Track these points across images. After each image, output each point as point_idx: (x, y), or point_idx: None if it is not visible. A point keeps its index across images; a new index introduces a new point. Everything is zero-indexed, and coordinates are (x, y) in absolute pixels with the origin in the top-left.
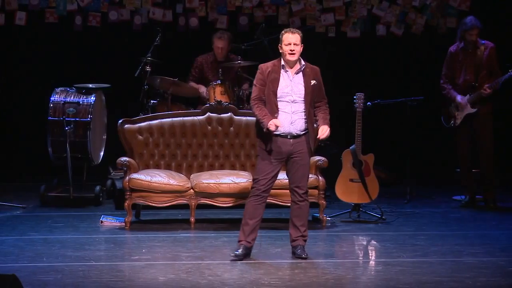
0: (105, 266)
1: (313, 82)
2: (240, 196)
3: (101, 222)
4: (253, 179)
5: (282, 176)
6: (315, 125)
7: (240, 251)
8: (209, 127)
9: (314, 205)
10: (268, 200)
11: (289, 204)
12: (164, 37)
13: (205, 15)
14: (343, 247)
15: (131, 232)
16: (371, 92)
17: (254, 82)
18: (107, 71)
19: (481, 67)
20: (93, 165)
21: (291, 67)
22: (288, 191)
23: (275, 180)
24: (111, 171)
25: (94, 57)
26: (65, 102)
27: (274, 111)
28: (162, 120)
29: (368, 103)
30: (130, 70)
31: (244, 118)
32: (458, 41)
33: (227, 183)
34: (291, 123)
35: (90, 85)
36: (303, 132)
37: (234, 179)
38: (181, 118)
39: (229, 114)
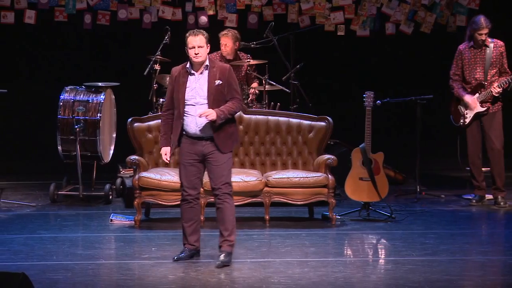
0: (115, 265)
1: (217, 82)
2: (250, 194)
3: (111, 220)
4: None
5: (291, 175)
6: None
7: (183, 254)
8: None
9: (324, 204)
10: (277, 199)
11: (298, 203)
12: (173, 35)
13: (215, 13)
14: (353, 245)
15: (140, 230)
16: (380, 90)
17: (167, 88)
18: (117, 69)
19: (490, 65)
20: (103, 163)
21: (197, 70)
22: (297, 189)
23: (200, 180)
24: (121, 169)
25: (103, 56)
26: (74, 101)
27: (180, 115)
28: None
29: (378, 101)
30: (140, 69)
31: (253, 116)
32: (467, 39)
33: (237, 181)
34: (197, 126)
35: (100, 84)
36: (209, 134)
37: (244, 178)
38: None
39: (238, 112)
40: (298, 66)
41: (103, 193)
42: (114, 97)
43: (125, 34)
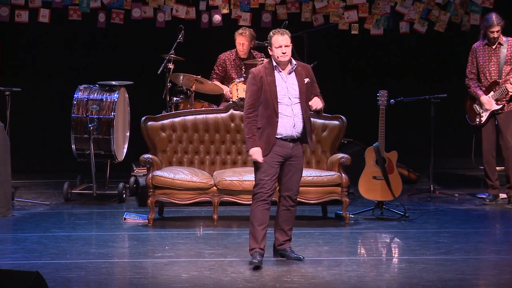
0: (128, 263)
1: (306, 80)
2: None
3: (124, 219)
4: (256, 183)
5: (305, 173)
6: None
7: (258, 259)
8: (232, 124)
9: (337, 203)
10: None
11: (311, 202)
12: (187, 34)
13: (229, 12)
14: (366, 244)
15: (154, 229)
16: (394, 89)
17: (246, 88)
18: (130, 68)
19: (505, 63)
20: (117, 162)
21: (284, 69)
22: (310, 188)
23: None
24: (134, 168)
25: (117, 55)
26: (88, 99)
27: (273, 116)
28: (185, 117)
29: (392, 100)
30: (153, 68)
31: None
32: (481, 38)
33: (250, 180)
34: (293, 126)
35: (113, 82)
36: (302, 134)
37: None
38: (204, 116)
39: None
40: (312, 64)
41: (117, 192)
42: (128, 95)
43: (139, 33)
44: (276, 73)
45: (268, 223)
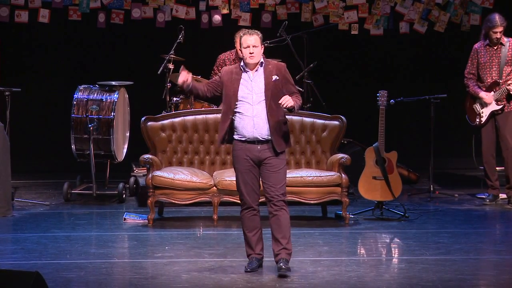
0: (128, 263)
1: (274, 77)
2: (262, 193)
3: (124, 219)
4: (238, 193)
5: (305, 174)
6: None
7: (253, 265)
8: None
9: (337, 203)
10: (290, 198)
11: (311, 202)
12: (187, 34)
13: (228, 12)
14: (366, 244)
15: (154, 229)
16: (394, 89)
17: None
18: (130, 68)
19: (506, 64)
20: (116, 162)
21: (252, 69)
22: (310, 188)
23: (259, 186)
24: (134, 168)
25: (117, 55)
26: (88, 100)
27: (231, 113)
28: (185, 117)
29: (392, 100)
30: (153, 68)
31: None
32: (482, 38)
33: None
34: (253, 127)
35: (113, 83)
36: (269, 136)
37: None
38: (204, 116)
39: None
40: (312, 65)
41: (117, 192)
42: (127, 96)
43: (139, 33)
44: (243, 72)
45: (259, 227)
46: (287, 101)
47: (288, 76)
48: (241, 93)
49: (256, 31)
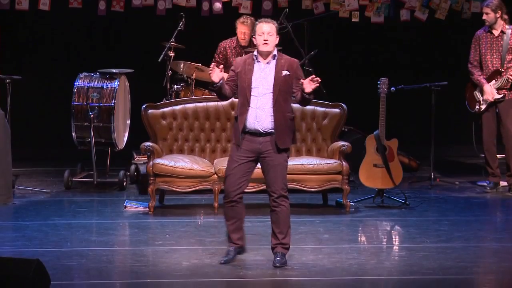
0: (129, 251)
1: (285, 72)
2: (262, 181)
3: (125, 207)
4: (224, 180)
5: (306, 161)
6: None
7: (229, 256)
8: (233, 112)
9: (338, 190)
10: (291, 185)
11: (312, 190)
12: (188, 22)
13: (229, 0)
14: (367, 232)
15: (154, 217)
16: (395, 77)
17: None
18: (131, 56)
19: (507, 52)
20: (117, 150)
21: (264, 59)
22: (311, 176)
23: (247, 181)
24: (135, 156)
25: (117, 42)
26: (89, 87)
27: (245, 104)
28: (185, 105)
29: (392, 88)
30: (154, 55)
31: None
32: (485, 25)
33: None
34: (255, 119)
35: (114, 70)
36: (272, 130)
37: (258, 165)
38: (204, 103)
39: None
40: (312, 52)
41: (117, 180)
42: (128, 83)
43: (139, 20)
44: (255, 62)
45: (238, 217)
46: (308, 84)
47: (300, 72)
48: (253, 83)
49: (273, 20)
